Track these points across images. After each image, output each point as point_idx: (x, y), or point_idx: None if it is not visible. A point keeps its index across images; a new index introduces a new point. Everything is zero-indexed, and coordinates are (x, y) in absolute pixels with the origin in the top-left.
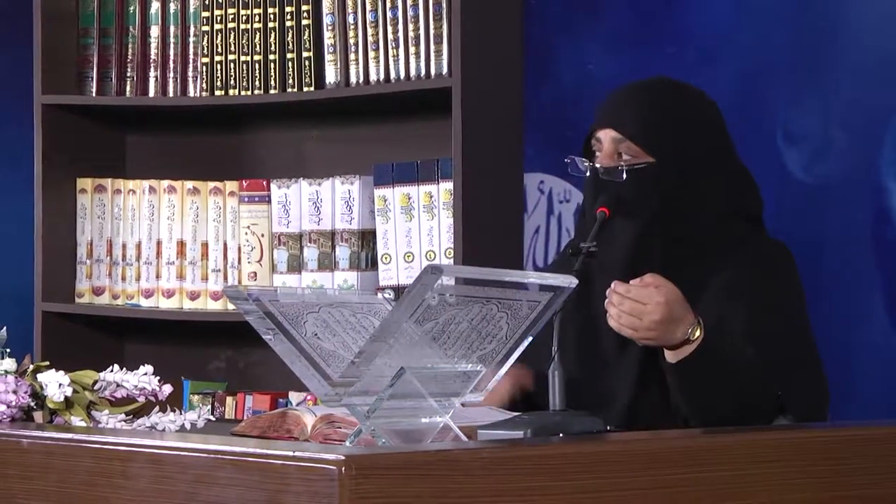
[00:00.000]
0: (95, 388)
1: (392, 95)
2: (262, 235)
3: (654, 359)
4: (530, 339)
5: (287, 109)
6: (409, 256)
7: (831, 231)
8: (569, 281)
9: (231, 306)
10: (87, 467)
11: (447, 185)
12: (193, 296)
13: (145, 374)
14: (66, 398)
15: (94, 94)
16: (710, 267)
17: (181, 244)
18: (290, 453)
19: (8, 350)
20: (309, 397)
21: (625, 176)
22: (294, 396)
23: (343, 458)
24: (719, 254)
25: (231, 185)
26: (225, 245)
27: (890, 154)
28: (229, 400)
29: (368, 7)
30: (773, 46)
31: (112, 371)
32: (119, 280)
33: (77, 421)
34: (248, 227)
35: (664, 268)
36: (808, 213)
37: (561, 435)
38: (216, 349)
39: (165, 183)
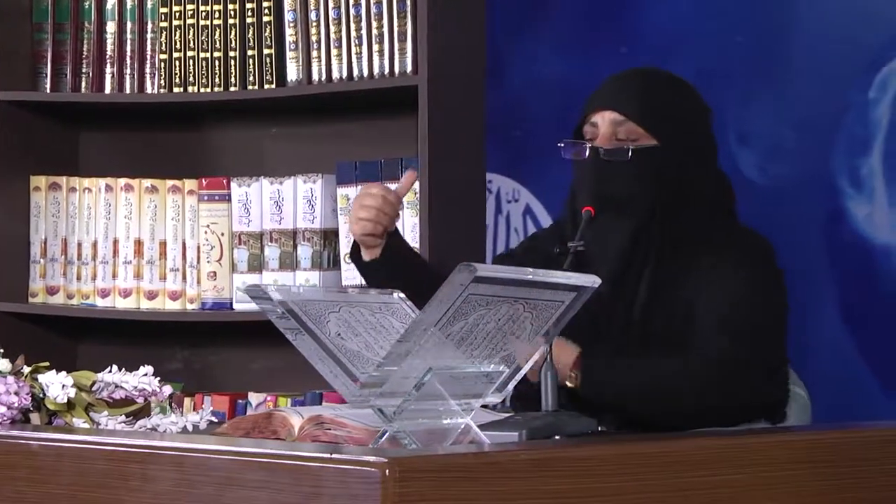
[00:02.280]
0: (93, 389)
1: (355, 93)
2: (222, 234)
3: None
4: (553, 340)
5: (248, 107)
6: None
7: (784, 231)
8: (592, 280)
9: (190, 306)
10: (101, 469)
11: None
12: (151, 295)
13: (145, 374)
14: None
15: (48, 91)
16: (699, 256)
17: (138, 243)
18: (327, 455)
19: (1, 351)
20: (269, 398)
21: (630, 156)
22: (253, 397)
23: (386, 460)
24: (708, 244)
25: (190, 184)
26: (184, 244)
27: (843, 154)
28: (187, 401)
29: (331, 4)
30: (725, 47)
31: (111, 372)
32: (74, 279)
33: (80, 422)
34: (208, 226)
35: (658, 260)
36: (761, 213)
37: (557, 437)
38: (172, 350)
39: (122, 181)
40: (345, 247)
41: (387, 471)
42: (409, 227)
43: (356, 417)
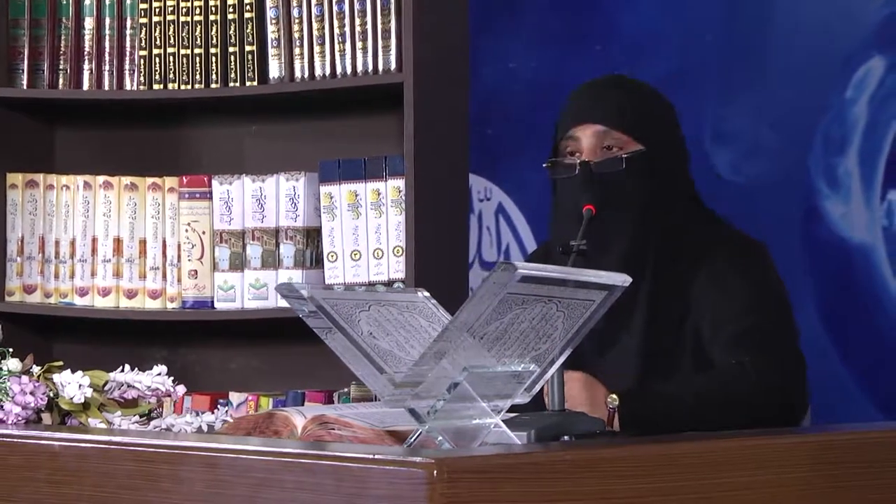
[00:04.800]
0: (105, 388)
1: (338, 91)
2: (203, 233)
3: (642, 360)
4: (581, 339)
5: (229, 104)
6: (355, 254)
7: (760, 230)
8: (622, 279)
9: (171, 305)
10: (128, 471)
11: (395, 183)
12: (130, 294)
13: (159, 374)
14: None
15: (24, 87)
16: (699, 260)
17: (118, 241)
18: (370, 455)
19: (10, 350)
20: (250, 397)
21: (624, 165)
22: (234, 397)
23: (433, 461)
24: (705, 247)
25: (171, 181)
26: (164, 242)
27: (820, 154)
28: (167, 401)
29: (314, 1)
30: (701, 45)
31: (123, 371)
32: (52, 278)
33: (95, 423)
34: (189, 224)
35: (658, 262)
36: (737, 212)
37: (566, 437)
38: (151, 349)
39: (101, 178)
40: (328, 245)
41: (435, 471)
42: (394, 225)
43: (360, 417)
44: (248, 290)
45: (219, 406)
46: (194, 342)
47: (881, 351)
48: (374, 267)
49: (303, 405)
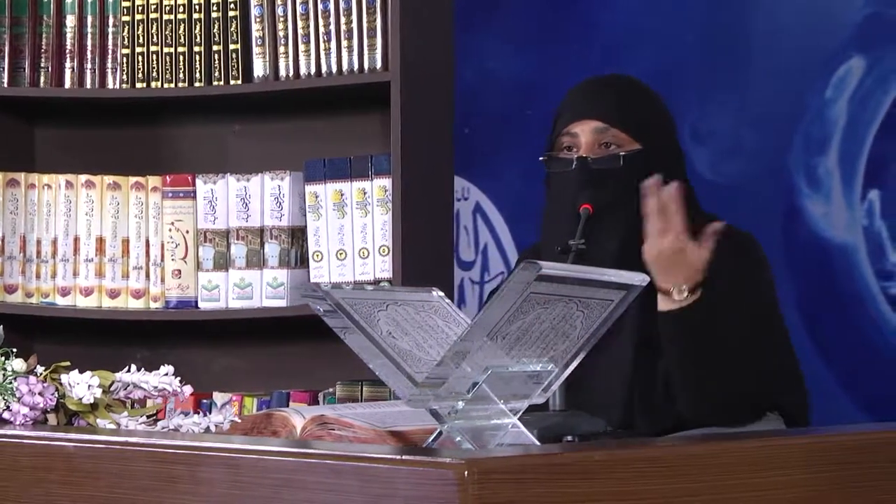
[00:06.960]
0: (110, 389)
1: (323, 90)
2: (187, 232)
3: (645, 359)
4: (598, 339)
5: (213, 103)
6: (341, 254)
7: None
8: (640, 279)
9: (154, 305)
10: (145, 471)
11: (381, 182)
12: (113, 294)
13: (166, 374)
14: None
15: (5, 85)
16: None
17: (100, 241)
18: (398, 456)
19: (14, 350)
20: (234, 398)
21: (622, 162)
22: (218, 397)
23: (464, 461)
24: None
25: (154, 181)
26: (147, 242)
27: (800, 154)
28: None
29: None
30: (681, 45)
31: (129, 371)
32: (33, 278)
33: (104, 423)
34: (172, 224)
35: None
36: (717, 212)
37: (569, 438)
38: (132, 349)
39: (83, 177)
40: (313, 245)
41: (465, 472)
42: (380, 224)
43: (360, 417)
44: (232, 290)
45: (227, 407)
46: (178, 342)
47: (862, 350)
48: (359, 266)
49: (287, 405)
